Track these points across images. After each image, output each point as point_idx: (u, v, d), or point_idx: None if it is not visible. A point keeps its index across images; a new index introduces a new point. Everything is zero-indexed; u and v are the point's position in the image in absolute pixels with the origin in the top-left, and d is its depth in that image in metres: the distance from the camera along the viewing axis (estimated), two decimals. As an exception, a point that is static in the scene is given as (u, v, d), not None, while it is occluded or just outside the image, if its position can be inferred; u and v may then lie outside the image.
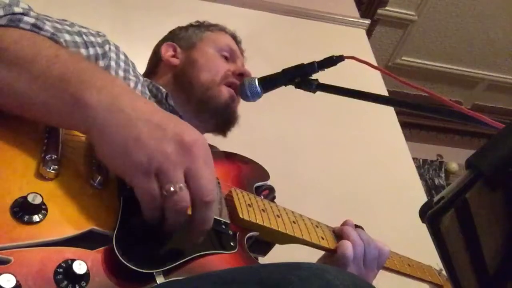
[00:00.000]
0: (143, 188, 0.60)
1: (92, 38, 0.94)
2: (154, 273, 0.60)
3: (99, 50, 0.95)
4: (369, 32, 3.01)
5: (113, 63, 0.98)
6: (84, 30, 0.93)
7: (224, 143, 1.26)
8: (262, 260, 0.98)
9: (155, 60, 1.32)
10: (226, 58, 1.26)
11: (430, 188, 4.14)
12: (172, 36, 1.36)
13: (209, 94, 1.17)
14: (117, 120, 0.61)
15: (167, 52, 1.29)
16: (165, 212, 0.62)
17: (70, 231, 0.58)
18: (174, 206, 0.61)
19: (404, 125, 2.37)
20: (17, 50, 0.64)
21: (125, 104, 0.62)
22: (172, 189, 0.60)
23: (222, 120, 1.20)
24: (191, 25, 1.38)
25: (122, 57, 1.03)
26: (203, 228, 0.65)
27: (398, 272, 1.06)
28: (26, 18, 0.69)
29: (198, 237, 0.66)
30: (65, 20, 0.92)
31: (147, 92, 1.11)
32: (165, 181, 0.60)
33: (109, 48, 0.98)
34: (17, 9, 0.69)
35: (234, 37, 1.36)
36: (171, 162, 0.60)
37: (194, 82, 1.19)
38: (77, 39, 0.89)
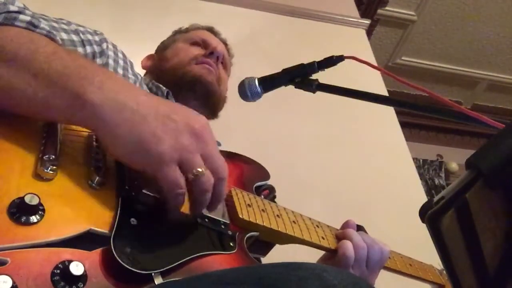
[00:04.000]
0: (170, 178, 0.63)
1: (90, 36, 0.94)
2: (152, 274, 0.60)
3: (97, 48, 0.95)
4: (369, 32, 3.01)
5: (111, 61, 0.98)
6: (81, 28, 0.94)
7: (225, 143, 1.26)
8: (262, 260, 0.98)
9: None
10: (199, 47, 1.29)
11: (430, 188, 4.13)
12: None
13: (179, 73, 1.20)
14: (127, 118, 0.62)
15: (146, 63, 1.38)
16: (193, 195, 0.67)
17: (67, 232, 0.58)
18: (202, 187, 0.66)
19: (404, 125, 2.37)
20: (14, 48, 0.64)
21: (128, 99, 0.63)
22: (197, 172, 0.65)
23: (201, 92, 1.20)
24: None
25: (120, 55, 1.03)
26: (219, 201, 0.71)
27: (399, 272, 1.06)
28: (21, 16, 0.69)
29: (215, 209, 0.73)
30: (62, 19, 0.92)
31: (146, 90, 1.11)
32: (189, 168, 0.65)
33: (107, 47, 0.98)
34: (12, 8, 0.68)
35: (209, 29, 1.40)
36: (190, 151, 0.65)
37: (164, 69, 1.24)
38: (74, 37, 0.89)
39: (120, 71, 1.01)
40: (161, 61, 1.29)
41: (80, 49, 0.90)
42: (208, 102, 1.23)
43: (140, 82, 1.09)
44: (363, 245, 0.94)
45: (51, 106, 0.63)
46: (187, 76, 1.18)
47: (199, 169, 0.65)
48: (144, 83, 1.13)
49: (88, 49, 0.92)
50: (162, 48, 1.37)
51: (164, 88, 1.15)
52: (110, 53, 0.99)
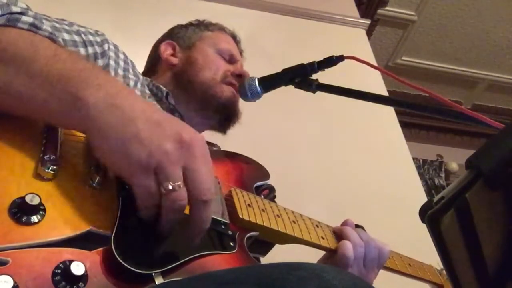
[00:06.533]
0: (141, 185, 0.60)
1: (91, 37, 0.94)
2: (153, 274, 0.60)
3: (98, 49, 0.95)
4: (369, 32, 3.01)
5: (112, 62, 0.98)
6: (82, 29, 0.93)
7: (225, 143, 1.26)
8: (262, 260, 0.98)
9: (154, 59, 1.32)
10: (225, 59, 1.26)
11: (430, 188, 4.13)
12: (172, 35, 1.36)
13: (211, 92, 1.17)
14: (116, 119, 0.61)
15: (166, 51, 1.29)
16: (162, 210, 0.62)
17: (68, 232, 0.58)
18: (172, 204, 0.61)
19: (404, 125, 2.37)
20: (15, 49, 0.64)
21: (123, 103, 0.63)
22: (170, 187, 0.60)
23: (226, 116, 1.20)
24: (190, 24, 1.37)
25: (121, 56, 1.03)
26: (201, 227, 0.65)
27: (398, 272, 1.06)
28: (24, 18, 0.68)
29: (197, 237, 0.66)
30: (64, 20, 0.92)
31: (147, 91, 1.11)
32: (164, 179, 0.60)
33: (108, 47, 0.98)
34: (15, 9, 0.68)
35: (233, 36, 1.36)
36: (170, 160, 0.60)
37: (194, 81, 1.19)
38: (76, 38, 0.89)
39: (121, 72, 1.01)
40: (190, 66, 1.23)
41: (82, 50, 0.90)
42: (228, 124, 1.23)
43: (141, 82, 1.08)
44: (360, 242, 0.95)
45: (49, 108, 0.63)
46: (218, 99, 1.17)
47: (174, 183, 0.60)
48: (145, 84, 1.13)
49: (90, 49, 0.92)
50: (187, 42, 1.29)
51: (164, 88, 1.14)
52: (112, 54, 0.99)
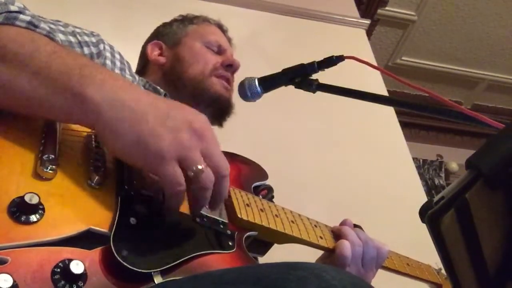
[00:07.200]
0: (170, 175, 0.63)
1: (86, 38, 0.94)
2: (152, 273, 0.60)
3: (94, 49, 0.95)
4: (369, 32, 3.01)
5: (108, 62, 0.99)
6: (78, 30, 0.94)
7: (224, 143, 1.25)
8: (261, 259, 0.98)
9: (143, 61, 1.32)
10: (213, 50, 1.25)
11: (430, 188, 4.13)
12: (157, 34, 1.35)
13: (201, 87, 1.18)
14: (126, 116, 0.62)
15: (153, 51, 1.29)
16: (194, 192, 0.68)
17: (67, 231, 0.58)
18: (203, 184, 0.66)
19: (404, 125, 2.37)
20: (15, 47, 0.64)
21: (128, 97, 0.64)
22: (197, 169, 0.64)
23: (218, 109, 1.20)
24: (175, 20, 1.37)
25: (117, 56, 1.03)
26: (222, 198, 0.71)
27: (397, 272, 1.06)
28: (22, 16, 0.69)
29: (218, 205, 0.72)
30: (59, 21, 0.92)
31: None
32: (190, 164, 0.64)
33: (104, 47, 0.98)
34: (12, 8, 0.69)
35: (219, 26, 1.36)
36: (190, 148, 0.64)
37: (184, 78, 1.19)
38: (72, 39, 0.89)
39: (118, 71, 1.01)
40: (178, 63, 1.22)
41: (78, 50, 0.90)
42: (222, 117, 1.23)
43: (137, 82, 1.08)
44: (359, 242, 0.95)
45: (52, 105, 0.63)
46: (208, 92, 1.17)
47: (199, 166, 0.64)
48: (141, 84, 1.13)
49: (86, 50, 0.92)
50: (173, 40, 1.29)
51: (162, 90, 1.14)
52: (108, 54, 0.99)
